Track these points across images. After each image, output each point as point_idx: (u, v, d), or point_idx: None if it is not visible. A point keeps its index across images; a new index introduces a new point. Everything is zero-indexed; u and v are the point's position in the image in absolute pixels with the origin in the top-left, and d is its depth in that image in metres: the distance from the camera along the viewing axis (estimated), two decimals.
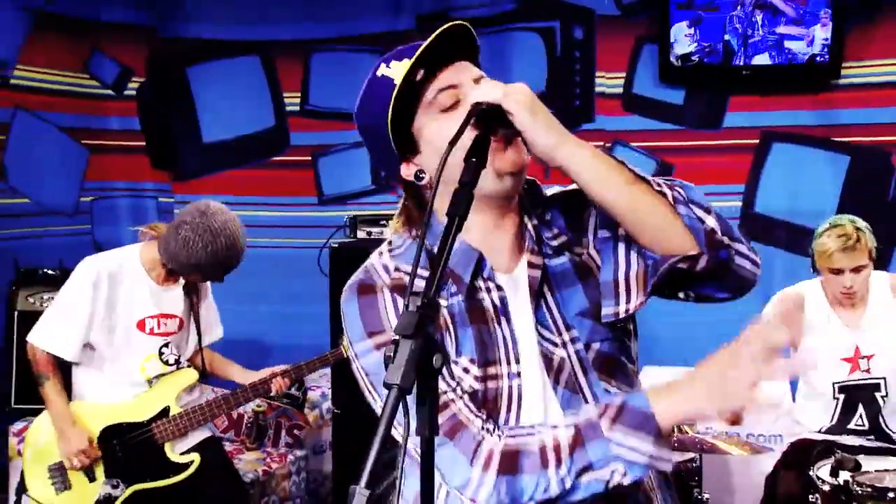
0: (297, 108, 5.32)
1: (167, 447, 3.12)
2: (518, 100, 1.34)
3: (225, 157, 5.34)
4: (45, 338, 3.00)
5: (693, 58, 4.54)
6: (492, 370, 1.44)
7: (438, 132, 1.41)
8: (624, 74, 4.82)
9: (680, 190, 1.40)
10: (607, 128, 4.83)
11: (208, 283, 3.30)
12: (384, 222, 4.21)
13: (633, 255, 1.44)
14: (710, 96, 4.73)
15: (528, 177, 1.51)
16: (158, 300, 3.11)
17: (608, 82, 4.86)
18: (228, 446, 3.97)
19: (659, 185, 1.39)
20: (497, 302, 1.46)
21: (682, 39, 4.53)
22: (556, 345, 1.45)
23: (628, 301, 1.43)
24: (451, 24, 1.43)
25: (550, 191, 1.57)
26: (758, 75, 4.52)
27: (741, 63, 4.49)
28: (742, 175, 4.71)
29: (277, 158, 5.33)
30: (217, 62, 5.34)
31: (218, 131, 5.36)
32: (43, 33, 4.82)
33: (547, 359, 1.45)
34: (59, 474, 3.03)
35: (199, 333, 3.25)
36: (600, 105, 4.87)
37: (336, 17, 5.19)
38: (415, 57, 1.38)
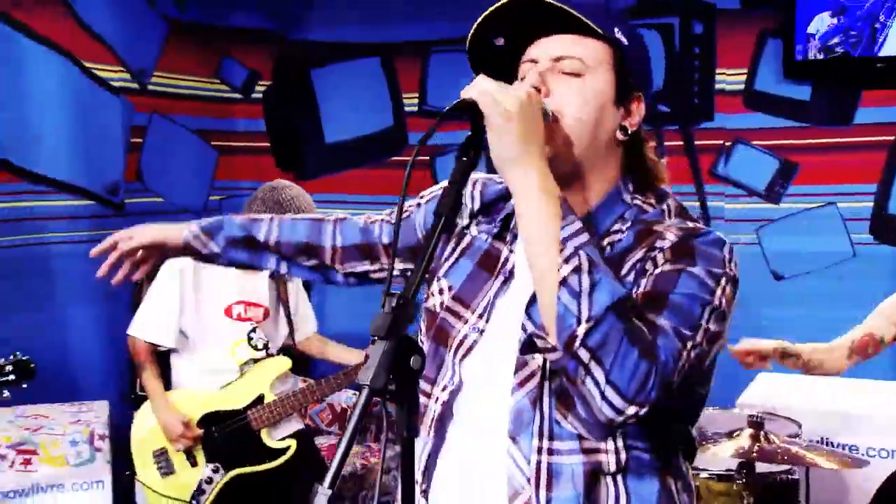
0: (416, 108, 5.40)
1: (263, 433, 3.25)
2: (494, 101, 1.31)
3: (346, 157, 5.49)
4: (142, 328, 3.19)
5: (822, 51, 4.33)
6: (460, 309, 1.50)
7: None
8: (746, 70, 4.65)
9: (585, 277, 1.26)
10: (727, 126, 4.68)
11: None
12: None
13: None
14: (840, 91, 4.49)
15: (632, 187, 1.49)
16: (243, 287, 3.25)
17: (729, 79, 4.70)
18: (333, 439, 4.09)
19: (568, 260, 1.27)
20: (509, 262, 1.49)
21: (814, 31, 4.33)
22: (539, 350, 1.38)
23: None
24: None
25: (667, 220, 1.46)
26: (893, 68, 4.26)
27: (874, 55, 4.24)
28: (874, 174, 4.45)
29: (396, 158, 5.43)
30: (339, 64, 5.49)
31: (339, 132, 5.51)
32: (178, 41, 5.09)
33: (520, 360, 1.43)
34: (164, 459, 3.21)
35: (290, 324, 3.37)
36: (720, 103, 4.72)
37: (454, 18, 5.22)
38: (485, 14, 1.43)
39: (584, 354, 1.25)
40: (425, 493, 1.52)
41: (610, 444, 1.40)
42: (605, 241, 1.45)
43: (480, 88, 1.32)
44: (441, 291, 1.55)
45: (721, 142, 4.69)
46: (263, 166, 5.52)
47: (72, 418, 3.79)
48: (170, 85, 5.09)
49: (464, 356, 1.49)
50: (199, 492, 3.16)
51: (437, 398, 1.51)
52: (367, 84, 5.45)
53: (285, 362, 3.33)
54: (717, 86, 4.71)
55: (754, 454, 2.54)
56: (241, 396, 3.24)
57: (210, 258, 1.78)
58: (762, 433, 2.60)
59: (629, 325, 1.26)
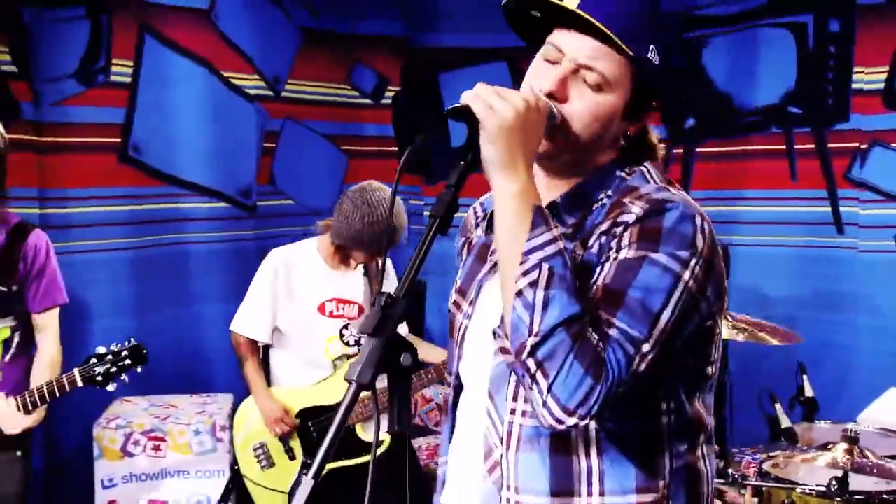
0: None
1: (358, 428, 3.36)
2: (489, 108, 1.33)
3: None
4: (241, 323, 3.36)
5: None
6: (460, 301, 1.63)
7: (531, 72, 1.49)
8: (887, 69, 4.41)
9: (540, 292, 1.29)
10: (864, 127, 4.46)
11: (391, 273, 3.50)
12: None
13: None
14: None
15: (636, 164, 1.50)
16: (336, 285, 3.36)
17: (867, 77, 4.47)
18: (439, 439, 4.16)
19: (528, 273, 1.30)
20: (493, 253, 1.57)
21: None
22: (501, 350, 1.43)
23: None
24: (565, 5, 1.43)
25: (645, 187, 1.46)
26: None
27: None
28: None
29: None
30: (466, 69, 5.57)
31: (465, 136, 5.57)
32: (311, 49, 5.30)
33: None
34: (264, 453, 3.37)
35: None
36: (857, 103, 4.50)
37: None
38: None
39: (531, 364, 1.30)
40: (447, 461, 1.66)
41: None
42: (590, 211, 1.48)
43: (476, 95, 1.35)
44: (454, 292, 1.67)
45: (857, 144, 4.47)
46: (392, 170, 5.61)
47: (198, 409, 4.02)
48: (302, 91, 5.31)
49: (461, 343, 1.61)
50: (298, 483, 3.31)
51: (451, 384, 1.66)
52: None
53: None
54: (854, 85, 4.49)
55: (843, 465, 2.43)
56: (335, 392, 3.35)
57: None
58: (856, 448, 2.48)
59: (578, 341, 1.28)
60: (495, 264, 1.51)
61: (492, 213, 1.51)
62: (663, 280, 1.34)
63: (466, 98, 1.36)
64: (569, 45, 1.44)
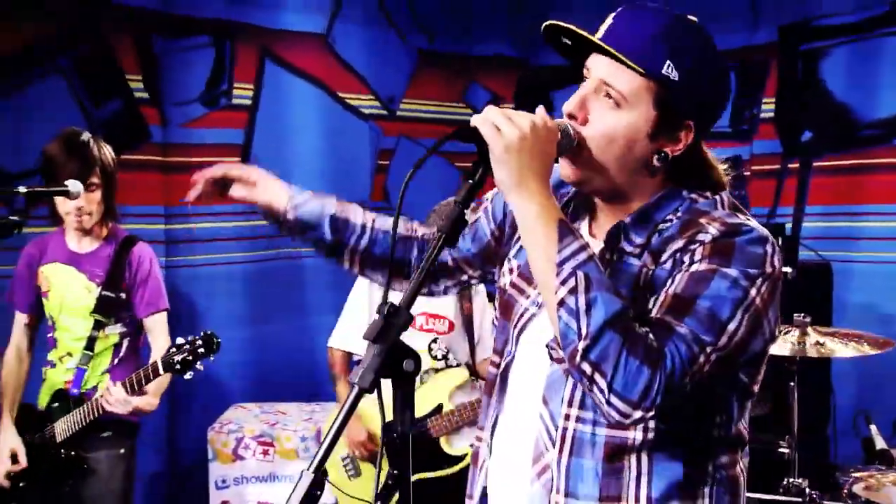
0: None
1: (442, 441, 3.42)
2: (496, 131, 1.38)
3: None
4: (339, 338, 3.48)
5: None
6: (524, 285, 1.64)
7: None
8: None
9: (581, 297, 1.33)
10: None
11: (482, 291, 3.55)
12: None
13: None
14: None
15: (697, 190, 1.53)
16: (428, 300, 3.43)
17: None
18: None
19: (565, 282, 1.35)
20: None
21: None
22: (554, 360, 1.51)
23: None
24: (575, 32, 1.52)
25: (717, 212, 1.50)
26: None
27: None
28: None
29: None
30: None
31: None
32: (426, 69, 5.45)
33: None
34: (351, 463, 3.48)
35: (470, 340, 3.51)
36: None
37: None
38: (557, 23, 1.54)
39: (586, 367, 1.34)
40: (490, 447, 1.68)
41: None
42: (657, 230, 1.51)
43: (485, 118, 1.40)
44: (511, 271, 1.69)
45: None
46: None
47: (305, 416, 4.19)
48: (417, 110, 5.45)
49: (522, 328, 1.62)
50: (384, 494, 3.39)
51: (500, 366, 1.66)
52: None
53: (463, 373, 3.47)
54: None
55: None
56: (421, 405, 3.42)
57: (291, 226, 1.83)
58: None
59: (627, 337, 1.32)
60: None
61: (565, 204, 1.63)
62: (732, 292, 1.38)
63: (475, 120, 1.41)
64: (594, 65, 1.52)
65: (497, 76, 5.71)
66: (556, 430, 1.52)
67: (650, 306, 1.42)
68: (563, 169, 1.52)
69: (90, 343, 3.05)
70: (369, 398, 3.33)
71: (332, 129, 4.97)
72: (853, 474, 2.68)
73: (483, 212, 1.81)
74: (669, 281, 1.42)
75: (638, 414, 1.32)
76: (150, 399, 3.01)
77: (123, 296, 3.04)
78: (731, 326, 1.37)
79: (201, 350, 2.84)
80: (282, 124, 4.81)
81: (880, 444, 3.07)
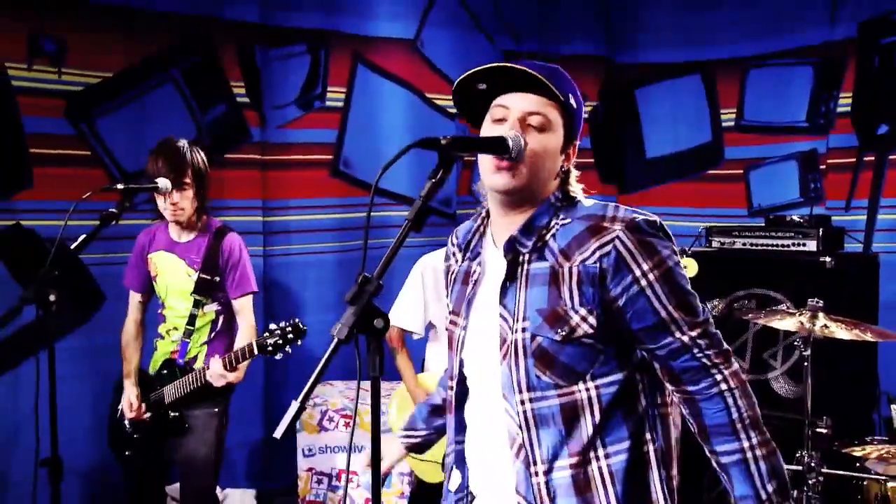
0: (733, 122, 5.48)
1: None
2: None
3: (665, 171, 5.73)
4: (395, 316, 3.80)
5: None
6: (455, 318, 1.96)
7: (483, 132, 1.87)
8: None
9: None
10: None
11: None
12: (736, 233, 4.26)
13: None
14: None
15: (560, 193, 1.85)
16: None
17: None
18: None
19: None
20: (474, 271, 1.93)
21: None
22: (510, 329, 1.80)
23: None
24: (509, 65, 1.79)
25: (588, 203, 1.86)
26: None
27: None
28: None
29: (712, 172, 5.56)
30: (662, 83, 5.75)
31: (660, 147, 5.77)
32: None
33: (501, 338, 1.82)
34: None
35: None
36: None
37: (773, 33, 5.25)
38: (477, 69, 1.81)
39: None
40: (462, 452, 1.98)
41: (580, 385, 1.77)
42: (548, 235, 1.81)
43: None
44: (448, 314, 2.03)
45: None
46: (587, 181, 5.91)
47: (385, 393, 4.54)
48: None
49: (460, 350, 1.95)
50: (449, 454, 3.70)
51: (453, 388, 1.99)
52: (688, 101, 5.64)
53: None
54: None
55: None
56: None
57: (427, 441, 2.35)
58: None
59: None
60: (476, 282, 1.93)
61: (468, 243, 1.98)
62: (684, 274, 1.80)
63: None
64: (513, 102, 1.82)
65: (583, 75, 5.90)
66: (519, 416, 1.81)
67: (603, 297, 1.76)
68: (503, 178, 1.80)
69: (191, 319, 3.49)
70: (432, 378, 3.64)
71: (420, 128, 5.29)
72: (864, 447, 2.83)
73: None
74: (651, 296, 1.75)
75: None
76: (238, 374, 3.41)
77: (217, 279, 3.47)
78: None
79: (290, 336, 3.22)
80: (372, 124, 5.18)
81: None
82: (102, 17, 4.33)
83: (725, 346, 1.80)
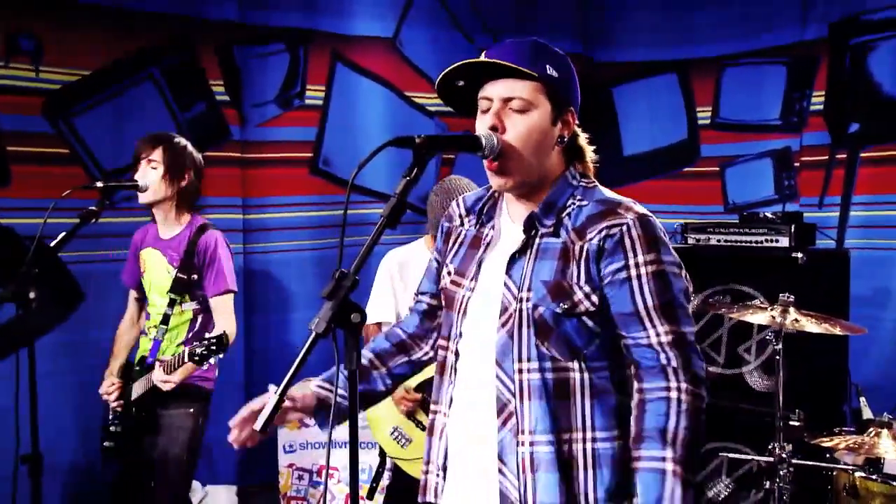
0: (709, 121, 5.55)
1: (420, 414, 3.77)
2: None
3: (641, 169, 5.79)
4: (369, 311, 3.84)
5: None
6: (459, 279, 1.99)
7: (476, 125, 1.93)
8: None
9: None
10: None
11: None
12: (711, 230, 4.34)
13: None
14: None
15: (578, 174, 1.94)
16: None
17: None
18: None
19: None
20: (486, 235, 1.98)
21: None
22: (514, 298, 1.86)
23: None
24: (478, 60, 1.85)
25: (607, 192, 1.93)
26: None
27: None
28: None
29: (688, 169, 5.63)
30: (639, 82, 5.81)
31: (637, 144, 5.83)
32: None
33: (503, 306, 1.88)
34: (400, 434, 3.83)
35: None
36: None
37: (748, 32, 5.32)
38: (449, 69, 1.87)
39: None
40: (447, 416, 2.01)
41: (575, 364, 1.85)
42: (564, 214, 1.88)
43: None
44: (448, 273, 2.05)
45: None
46: None
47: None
48: None
49: (463, 312, 1.97)
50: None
51: (449, 349, 2.01)
52: (664, 99, 5.71)
53: None
54: None
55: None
56: None
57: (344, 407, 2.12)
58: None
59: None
60: (488, 245, 1.98)
61: (480, 209, 2.02)
62: (681, 283, 1.86)
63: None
64: (491, 91, 1.88)
65: None
66: (514, 384, 1.86)
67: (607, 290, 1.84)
68: (498, 181, 1.88)
69: (165, 318, 3.49)
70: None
71: (399, 126, 5.32)
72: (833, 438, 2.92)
73: (433, 258, 2.20)
74: (636, 287, 1.82)
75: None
76: (184, 375, 3.39)
77: (195, 277, 3.46)
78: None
79: (213, 348, 3.18)
80: (351, 122, 5.21)
81: (867, 414, 3.27)
82: (81, 15, 4.33)
83: (698, 370, 1.82)
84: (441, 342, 2.05)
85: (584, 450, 1.84)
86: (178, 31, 4.65)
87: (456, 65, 1.86)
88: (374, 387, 2.16)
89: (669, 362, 1.80)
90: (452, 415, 2.00)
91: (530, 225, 1.90)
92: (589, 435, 1.85)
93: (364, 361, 2.15)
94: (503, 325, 1.88)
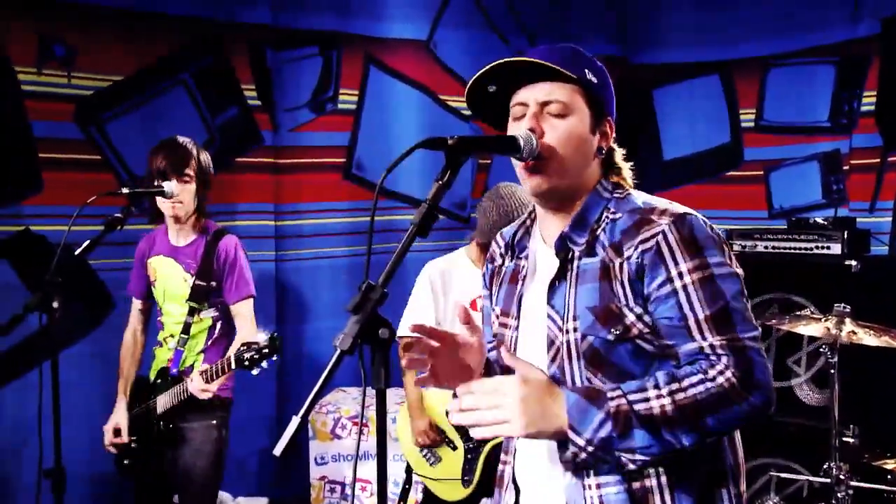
0: (752, 123, 5.38)
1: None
2: (505, 424, 1.56)
3: (683, 173, 5.63)
4: (406, 329, 3.71)
5: None
6: (506, 320, 1.86)
7: (508, 132, 1.77)
8: None
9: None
10: None
11: None
12: (757, 236, 4.17)
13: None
14: None
15: (622, 178, 1.79)
16: None
17: None
18: None
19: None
20: (522, 270, 1.84)
21: None
22: (560, 329, 1.71)
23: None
24: (515, 59, 1.71)
25: (641, 198, 1.76)
26: None
27: None
28: None
29: (731, 173, 5.46)
30: (680, 84, 5.65)
31: (678, 148, 5.67)
32: None
33: (549, 340, 1.73)
34: (430, 453, 3.71)
35: None
36: None
37: (794, 31, 5.15)
38: (483, 70, 1.73)
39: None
40: (512, 462, 1.88)
41: None
42: (598, 230, 1.73)
43: (477, 418, 1.60)
44: (497, 317, 1.91)
45: None
46: None
47: (398, 400, 4.46)
48: None
49: (515, 352, 1.83)
50: (467, 468, 3.61)
51: None
52: (706, 101, 5.55)
53: None
54: None
55: None
56: None
57: None
58: None
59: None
60: (524, 278, 1.84)
61: (513, 242, 1.90)
62: (736, 284, 1.66)
63: (459, 420, 1.60)
64: (526, 96, 1.74)
65: None
66: None
67: (653, 307, 1.65)
68: (533, 182, 1.73)
69: (186, 327, 3.38)
70: (436, 395, 3.58)
71: (433, 130, 5.20)
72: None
73: (484, 305, 2.05)
74: (683, 299, 1.62)
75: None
76: (222, 382, 3.30)
77: (214, 284, 3.35)
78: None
79: (266, 351, 3.08)
80: (385, 127, 5.12)
81: None
82: (112, 21, 4.29)
83: (760, 376, 1.59)
84: None
85: (660, 484, 1.67)
86: (209, 35, 4.59)
87: (492, 64, 1.72)
88: None
89: (723, 362, 1.59)
90: (518, 464, 1.87)
91: (563, 246, 1.75)
92: (661, 469, 1.66)
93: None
94: (552, 359, 1.73)
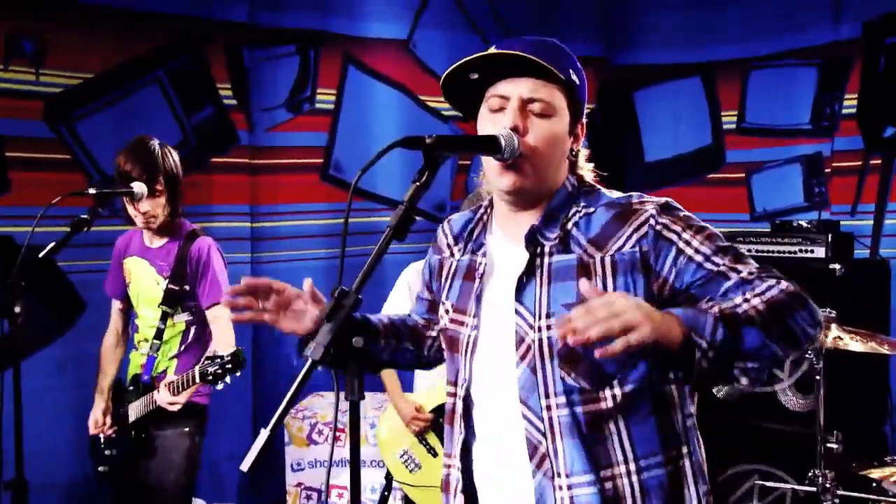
0: (734, 125, 5.34)
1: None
2: (636, 333, 1.45)
3: (665, 175, 5.58)
4: None
5: None
6: (460, 317, 1.77)
7: (480, 125, 1.73)
8: None
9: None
10: None
11: None
12: (741, 239, 4.13)
13: None
14: None
15: (584, 176, 1.76)
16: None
17: None
18: None
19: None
20: (479, 267, 1.76)
21: None
22: (530, 327, 1.65)
23: None
24: (500, 51, 1.64)
25: (611, 193, 1.75)
26: None
27: None
28: None
29: (713, 176, 5.42)
30: (661, 85, 5.61)
31: (659, 150, 5.62)
32: None
33: (518, 337, 1.67)
34: (409, 458, 3.65)
35: None
36: None
37: (775, 33, 5.11)
38: (471, 57, 1.66)
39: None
40: (468, 473, 1.79)
41: (606, 392, 1.64)
42: (570, 224, 1.70)
43: (612, 327, 1.47)
44: (447, 311, 1.83)
45: None
46: None
47: (377, 405, 4.39)
48: None
49: (471, 353, 1.76)
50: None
51: (457, 395, 1.79)
52: (688, 103, 5.50)
53: None
54: None
55: None
56: None
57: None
58: None
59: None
60: (483, 275, 1.76)
61: (468, 235, 1.82)
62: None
63: (591, 332, 1.42)
64: (509, 90, 1.67)
65: None
66: (544, 422, 1.65)
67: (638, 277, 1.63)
68: (507, 179, 1.67)
69: (158, 333, 3.29)
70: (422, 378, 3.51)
71: (413, 131, 5.06)
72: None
73: (421, 284, 2.01)
74: (702, 258, 1.62)
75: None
76: (190, 395, 3.21)
77: (187, 287, 3.26)
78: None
79: (229, 366, 3.00)
80: (364, 127, 5.03)
81: None
82: (84, 17, 4.18)
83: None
84: (448, 388, 1.84)
85: (631, 484, 1.64)
86: (184, 33, 4.49)
87: (481, 54, 1.65)
88: (377, 355, 1.92)
89: (771, 278, 1.60)
90: (476, 469, 1.79)
91: (532, 240, 1.70)
92: (633, 467, 1.64)
93: (384, 320, 1.93)
94: (522, 358, 1.67)
